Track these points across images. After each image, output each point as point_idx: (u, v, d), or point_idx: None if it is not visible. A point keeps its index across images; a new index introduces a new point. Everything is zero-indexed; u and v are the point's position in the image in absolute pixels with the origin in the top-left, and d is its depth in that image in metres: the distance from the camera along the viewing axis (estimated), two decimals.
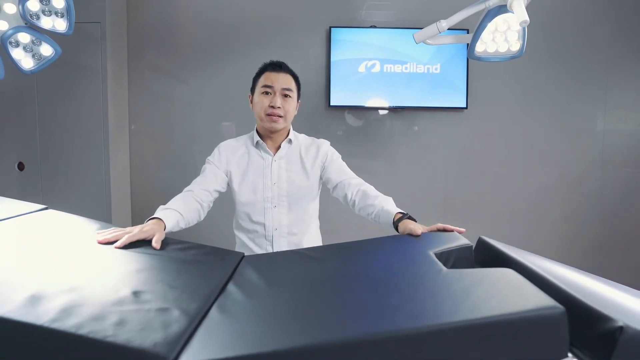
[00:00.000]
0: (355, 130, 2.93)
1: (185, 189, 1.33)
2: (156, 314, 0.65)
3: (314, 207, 1.51)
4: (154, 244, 0.97)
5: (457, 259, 0.97)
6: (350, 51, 2.79)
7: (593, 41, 2.87)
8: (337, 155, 1.50)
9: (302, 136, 1.53)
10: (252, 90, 1.45)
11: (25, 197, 1.38)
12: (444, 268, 0.84)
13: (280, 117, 1.38)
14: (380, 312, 0.68)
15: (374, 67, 2.80)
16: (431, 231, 1.15)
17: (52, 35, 1.43)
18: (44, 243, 0.96)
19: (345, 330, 0.63)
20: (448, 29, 1.42)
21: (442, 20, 1.42)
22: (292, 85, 1.41)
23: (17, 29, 1.39)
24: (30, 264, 0.82)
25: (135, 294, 0.71)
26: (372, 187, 1.39)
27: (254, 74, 1.45)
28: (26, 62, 1.47)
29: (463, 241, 1.02)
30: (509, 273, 0.77)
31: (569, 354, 0.62)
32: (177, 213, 1.19)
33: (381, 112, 2.92)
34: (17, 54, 1.44)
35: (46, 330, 0.58)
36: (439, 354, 0.59)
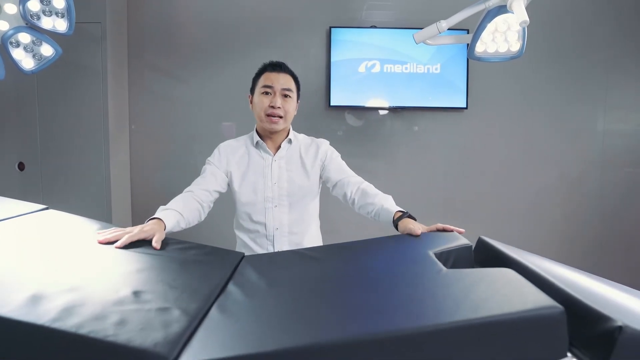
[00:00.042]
0: (356, 131, 2.93)
1: (186, 190, 1.34)
2: (156, 314, 0.66)
3: (315, 206, 1.52)
4: (154, 244, 0.98)
5: (457, 259, 0.97)
6: (351, 51, 2.79)
7: (593, 41, 2.87)
8: (336, 154, 1.51)
9: (302, 136, 1.53)
10: (252, 90, 1.46)
11: (26, 197, 1.38)
12: (444, 268, 0.84)
13: (280, 117, 1.39)
14: (380, 312, 0.68)
15: (374, 67, 2.80)
16: (431, 231, 1.16)
17: (52, 36, 1.43)
18: (45, 243, 0.96)
19: (345, 330, 0.63)
20: (448, 29, 1.43)
21: (442, 21, 1.42)
22: (292, 85, 1.42)
23: (18, 29, 1.39)
24: (31, 264, 0.82)
25: (136, 293, 0.71)
26: (371, 185, 1.40)
27: (253, 74, 1.46)
28: (27, 62, 1.47)
29: (463, 241, 1.02)
30: (508, 273, 0.77)
31: (568, 354, 0.62)
32: (177, 213, 1.19)
33: (381, 112, 2.92)
34: (17, 54, 1.44)
35: (47, 330, 0.58)
36: (438, 354, 0.60)
